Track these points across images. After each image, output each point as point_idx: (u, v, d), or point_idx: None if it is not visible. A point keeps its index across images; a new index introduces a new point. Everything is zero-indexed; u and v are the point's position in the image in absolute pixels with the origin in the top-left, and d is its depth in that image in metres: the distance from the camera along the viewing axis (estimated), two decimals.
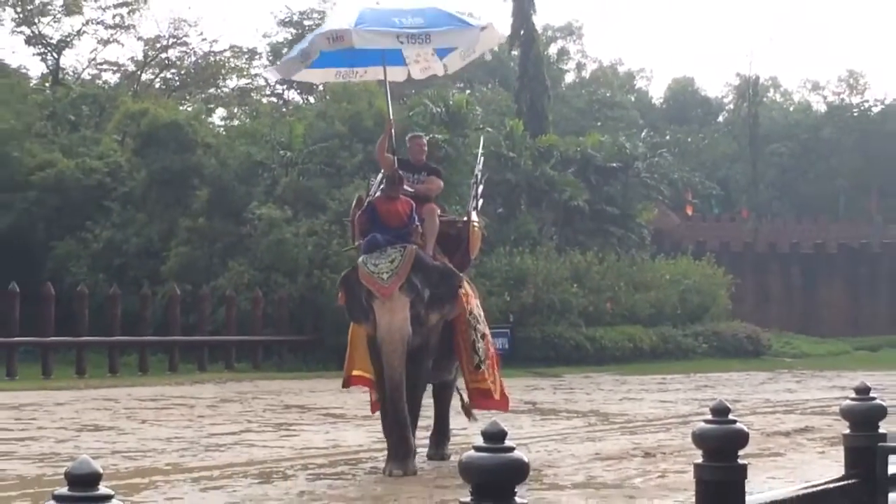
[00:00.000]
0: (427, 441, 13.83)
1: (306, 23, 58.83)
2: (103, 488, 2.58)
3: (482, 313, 13.99)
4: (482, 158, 16.04)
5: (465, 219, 14.27)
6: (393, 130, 13.77)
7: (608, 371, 32.68)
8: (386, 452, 12.61)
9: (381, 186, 13.57)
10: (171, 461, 13.43)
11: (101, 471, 2.58)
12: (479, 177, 15.23)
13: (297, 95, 56.24)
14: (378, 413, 13.25)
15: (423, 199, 13.37)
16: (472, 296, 13.79)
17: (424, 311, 12.47)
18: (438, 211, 13.74)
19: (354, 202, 13.83)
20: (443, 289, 12.68)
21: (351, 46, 13.15)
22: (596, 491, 11.81)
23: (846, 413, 5.50)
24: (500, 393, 13.86)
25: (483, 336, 13.58)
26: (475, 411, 14.06)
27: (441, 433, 13.98)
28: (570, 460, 14.07)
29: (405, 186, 13.25)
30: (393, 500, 11.21)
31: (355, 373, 13.62)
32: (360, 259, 12.49)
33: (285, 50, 58.21)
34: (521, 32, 50.59)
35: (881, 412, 5.49)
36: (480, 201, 15.03)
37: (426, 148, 14.47)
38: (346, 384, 14.04)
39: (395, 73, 15.12)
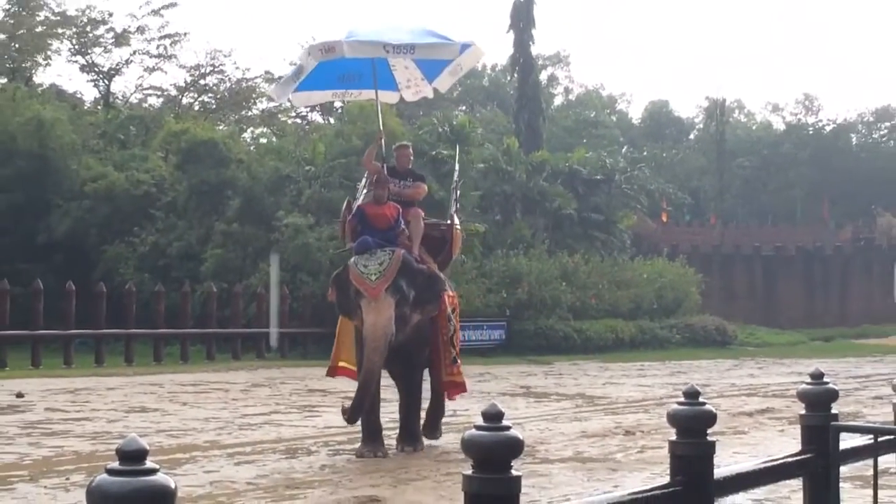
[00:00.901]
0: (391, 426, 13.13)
1: None
2: (149, 463, 2.58)
3: (455, 309, 13.60)
4: (458, 166, 16.07)
5: (448, 222, 13.87)
6: (382, 141, 13.59)
7: (593, 359, 32.66)
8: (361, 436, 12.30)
9: (365, 191, 13.22)
10: (208, 439, 13.43)
11: (148, 447, 2.58)
12: (458, 182, 15.09)
13: (318, 117, 56.23)
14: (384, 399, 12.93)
15: (408, 203, 13.03)
16: (452, 295, 13.56)
17: (409, 311, 12.06)
18: (423, 214, 13.24)
19: (344, 206, 13.39)
20: (428, 293, 12.28)
21: (342, 56, 12.79)
22: (582, 464, 11.80)
23: (802, 396, 5.49)
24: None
25: (454, 332, 13.26)
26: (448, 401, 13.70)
27: (435, 414, 13.56)
28: (560, 438, 14.06)
29: (392, 188, 12.89)
30: (404, 471, 11.21)
31: (341, 364, 13.27)
32: (352, 260, 12.12)
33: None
34: (521, 60, 50.80)
35: (833, 395, 5.49)
36: (458, 205, 14.70)
37: (412, 157, 14.07)
38: (330, 373, 13.58)
39: (387, 97, 15.02)
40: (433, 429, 13.35)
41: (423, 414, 13.25)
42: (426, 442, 12.94)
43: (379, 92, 14.26)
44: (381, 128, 14.04)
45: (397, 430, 12.82)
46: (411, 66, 14.21)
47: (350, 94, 14.93)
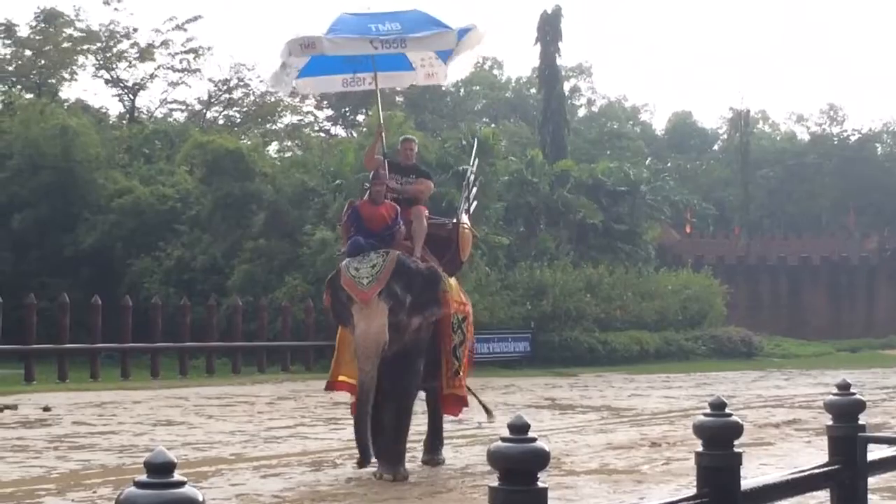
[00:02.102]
0: (420, 446, 12.56)
1: None
2: (177, 475, 2.59)
3: (468, 317, 12.55)
4: (476, 161, 14.53)
5: (455, 221, 12.75)
6: (384, 135, 12.78)
7: (618, 371, 32.57)
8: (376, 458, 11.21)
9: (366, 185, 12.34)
10: (234, 451, 13.45)
11: (176, 460, 2.59)
12: (472, 180, 13.71)
13: (342, 130, 56.39)
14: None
15: (411, 202, 12.16)
16: (459, 300, 12.37)
17: (406, 317, 11.13)
18: (427, 213, 12.29)
19: (346, 206, 12.40)
20: (426, 294, 11.30)
21: (322, 53, 12.11)
22: (608, 476, 11.78)
23: (829, 406, 5.48)
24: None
25: (463, 342, 12.23)
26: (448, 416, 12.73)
27: (435, 438, 12.60)
28: (586, 450, 14.03)
29: (393, 185, 12.14)
30: (429, 484, 11.20)
31: (341, 378, 12.15)
32: (343, 263, 11.30)
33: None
34: (546, 72, 50.95)
35: (860, 406, 5.47)
36: (474, 204, 13.80)
37: (416, 150, 13.06)
38: (329, 387, 12.54)
39: (404, 78, 14.28)
40: (434, 451, 12.48)
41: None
42: (459, 454, 12.88)
43: (394, 73, 13.74)
44: (381, 121, 13.46)
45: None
46: None
47: (362, 79, 13.48)
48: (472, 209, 13.36)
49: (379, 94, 13.47)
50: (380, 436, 11.19)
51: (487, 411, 13.30)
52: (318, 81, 14.06)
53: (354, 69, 13.19)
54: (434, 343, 11.85)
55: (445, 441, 14.13)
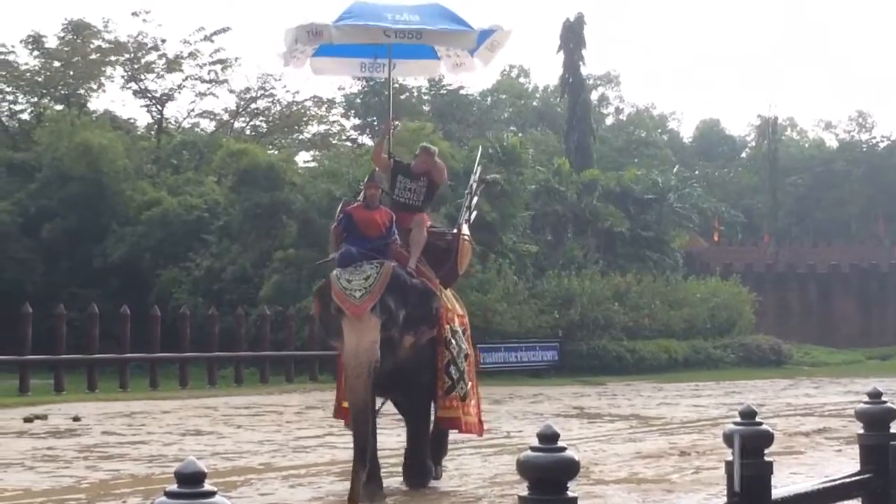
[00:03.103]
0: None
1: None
2: (207, 485, 2.60)
3: (465, 330, 11.77)
4: (479, 168, 13.46)
5: (455, 231, 11.99)
6: (392, 131, 12.23)
7: (647, 379, 32.48)
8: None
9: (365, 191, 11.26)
10: (263, 461, 13.47)
11: (206, 470, 2.60)
12: (475, 188, 12.82)
13: (368, 139, 56.39)
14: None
15: (413, 208, 11.40)
16: (456, 312, 11.68)
17: (398, 333, 10.35)
18: (428, 222, 11.60)
19: (339, 210, 11.47)
20: (421, 310, 10.58)
21: (329, 42, 11.30)
22: (637, 485, 11.74)
23: (860, 415, 5.45)
24: (476, 419, 11.74)
25: (463, 356, 11.44)
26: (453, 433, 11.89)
27: (437, 450, 11.83)
28: (614, 459, 13.99)
29: (399, 201, 11.38)
30: (458, 494, 11.19)
31: (346, 404, 11.09)
32: (333, 273, 10.37)
33: (359, 100, 58.71)
34: (570, 80, 50.89)
35: (892, 414, 5.44)
36: (475, 213, 12.90)
37: (433, 160, 11.81)
38: (336, 414, 11.95)
39: (429, 67, 13.32)
40: (433, 463, 11.70)
41: None
42: (487, 463, 12.84)
43: (417, 62, 12.81)
44: (391, 115, 12.46)
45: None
46: None
47: (381, 64, 12.39)
48: (472, 218, 12.64)
49: (391, 84, 12.75)
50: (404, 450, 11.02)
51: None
52: (336, 63, 12.97)
53: (374, 54, 12.27)
54: (432, 357, 11.17)
55: (474, 451, 14.14)
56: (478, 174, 13.13)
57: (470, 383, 11.55)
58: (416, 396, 11.17)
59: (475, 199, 12.82)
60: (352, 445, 10.24)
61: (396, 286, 10.31)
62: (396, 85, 59.68)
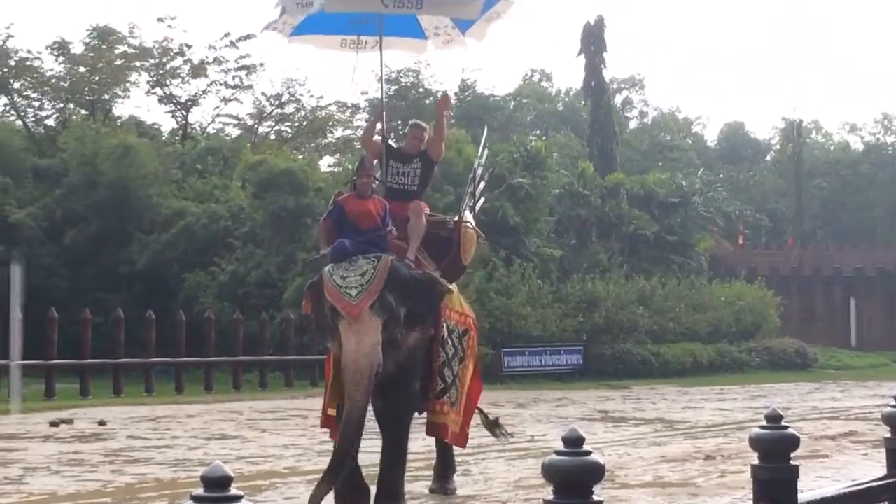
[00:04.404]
0: (431, 474, 11.52)
1: (402, 80, 59.15)
2: (234, 489, 2.60)
3: (468, 331, 10.85)
4: (486, 153, 12.54)
5: (457, 218, 10.94)
6: (385, 115, 11.36)
7: (671, 383, 32.41)
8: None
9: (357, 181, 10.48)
10: (288, 465, 13.49)
11: (232, 474, 2.60)
12: (479, 172, 11.87)
13: (392, 143, 56.31)
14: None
15: (408, 195, 10.53)
16: (457, 310, 10.73)
17: (401, 333, 9.37)
18: (427, 209, 10.61)
19: (332, 201, 10.60)
20: (424, 304, 9.61)
21: (321, 10, 10.41)
22: (662, 489, 11.71)
23: (887, 419, 5.42)
24: (460, 430, 10.80)
25: (458, 359, 10.58)
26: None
27: (444, 465, 11.25)
28: (639, 462, 13.96)
29: (393, 187, 10.61)
30: (483, 498, 11.17)
31: (330, 411, 10.30)
32: (326, 269, 9.39)
33: (386, 102, 58.75)
34: (593, 84, 50.89)
35: None
36: (481, 200, 11.99)
37: (425, 140, 10.93)
38: (323, 423, 10.85)
39: (414, 46, 12.12)
40: (442, 478, 11.22)
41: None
42: (511, 467, 12.80)
43: (402, 39, 11.78)
44: (383, 96, 11.70)
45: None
46: None
47: (364, 41, 11.40)
48: (478, 207, 11.71)
49: (382, 64, 11.45)
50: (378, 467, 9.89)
51: (492, 431, 12.06)
52: (316, 40, 11.80)
53: (359, 31, 11.28)
54: (427, 360, 10.26)
55: (498, 455, 14.12)
56: (484, 158, 12.26)
57: (460, 389, 10.63)
58: (402, 404, 9.96)
59: (481, 186, 11.85)
60: (373, 451, 9.89)
61: (396, 281, 9.31)
62: (423, 90, 60.00)
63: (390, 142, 11.28)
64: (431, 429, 10.52)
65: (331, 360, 10.18)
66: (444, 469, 11.20)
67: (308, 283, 9.79)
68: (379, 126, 11.14)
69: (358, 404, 9.03)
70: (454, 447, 11.19)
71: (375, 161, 10.75)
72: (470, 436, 11.49)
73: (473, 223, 11.06)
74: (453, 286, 10.64)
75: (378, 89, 58.50)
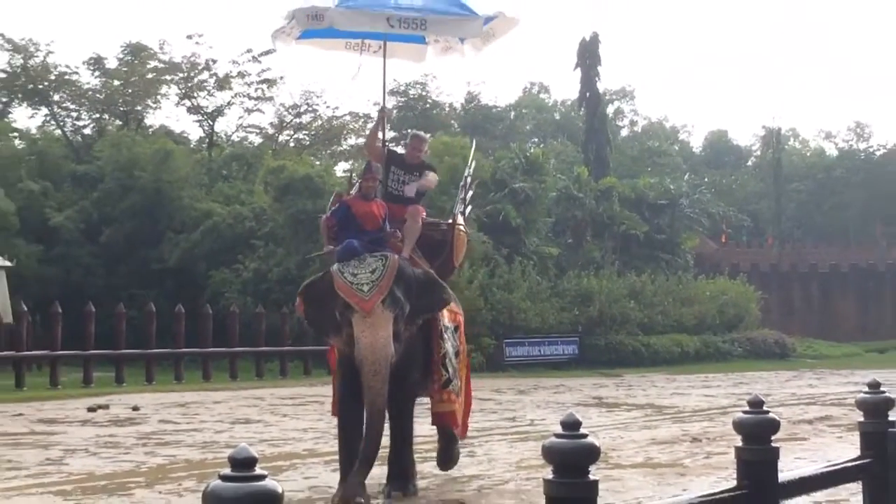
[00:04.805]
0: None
1: (411, 92, 59.13)
2: (258, 470, 2.61)
3: (458, 327, 10.68)
4: (473, 163, 12.10)
5: (451, 221, 10.84)
6: (386, 119, 10.99)
7: (660, 371, 32.38)
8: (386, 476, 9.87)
9: (357, 181, 10.42)
10: (307, 447, 13.49)
11: (257, 455, 2.60)
12: (469, 181, 11.62)
13: (396, 149, 56.24)
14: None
15: (408, 200, 10.37)
16: (449, 308, 10.42)
17: (404, 326, 9.34)
18: (423, 213, 10.43)
19: (332, 200, 10.53)
20: (424, 300, 9.52)
21: (331, 27, 10.19)
22: (652, 469, 11.70)
23: (860, 404, 5.42)
24: (462, 419, 10.83)
25: (454, 353, 10.44)
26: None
27: (446, 457, 10.98)
28: (631, 445, 13.95)
29: (404, 189, 10.41)
30: (487, 478, 11.17)
31: None
32: (335, 267, 9.28)
33: (394, 113, 58.76)
34: (588, 95, 50.80)
35: (890, 403, 5.41)
36: (469, 207, 11.65)
37: (426, 150, 11.02)
38: (334, 411, 10.70)
39: (415, 52, 11.73)
40: (444, 461, 10.95)
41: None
42: (510, 451, 12.79)
43: (403, 45, 11.47)
44: (384, 100, 11.14)
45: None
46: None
47: (367, 45, 11.21)
48: (467, 211, 11.51)
49: (385, 69, 11.07)
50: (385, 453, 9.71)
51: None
52: (322, 42, 11.44)
53: (362, 35, 11.01)
54: (427, 351, 10.13)
55: (501, 438, 14.11)
56: (472, 168, 11.87)
57: (460, 382, 10.58)
58: (406, 393, 9.78)
59: (470, 193, 11.63)
60: (387, 433, 9.69)
61: (403, 279, 9.30)
62: (430, 102, 60.01)
63: (395, 148, 11.06)
64: (438, 418, 10.30)
65: (334, 353, 10.12)
66: (445, 463, 10.89)
67: (305, 282, 9.61)
68: (380, 134, 10.89)
69: (379, 392, 8.98)
70: (457, 441, 10.92)
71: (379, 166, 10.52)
72: (475, 419, 11.51)
73: (465, 226, 11.00)
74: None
75: (388, 100, 58.71)
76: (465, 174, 11.74)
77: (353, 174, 11.20)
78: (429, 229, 10.47)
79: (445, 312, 10.29)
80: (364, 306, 8.99)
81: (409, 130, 57.03)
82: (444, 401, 10.21)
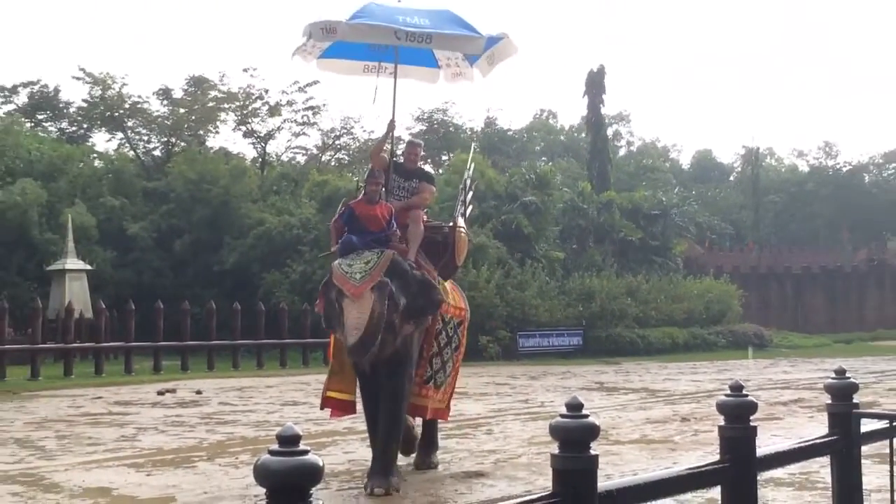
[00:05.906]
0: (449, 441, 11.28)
1: (435, 116, 59.11)
2: (302, 445, 2.61)
3: (462, 322, 10.22)
4: (472, 165, 11.43)
5: (452, 224, 10.32)
6: (394, 132, 10.31)
7: (654, 360, 32.28)
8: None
9: (362, 187, 9.98)
10: (346, 426, 13.49)
11: (301, 433, 2.61)
12: (468, 184, 11.04)
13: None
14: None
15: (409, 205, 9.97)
16: (454, 305, 10.08)
17: (398, 319, 8.74)
18: (425, 217, 10.04)
19: (341, 206, 10.06)
20: (421, 300, 9.01)
21: (343, 39, 9.73)
22: (647, 445, 11.67)
23: (829, 388, 5.39)
24: (444, 405, 10.19)
25: (452, 347, 9.98)
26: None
27: (429, 442, 10.36)
28: (628, 423, 13.92)
29: (393, 200, 9.87)
30: (503, 452, 11.16)
31: (329, 394, 9.94)
32: (335, 262, 8.97)
33: (422, 135, 58.81)
34: (593, 119, 50.78)
35: (854, 387, 5.38)
36: (469, 208, 11.04)
37: (421, 154, 10.65)
38: (322, 405, 10.20)
39: (427, 75, 11.15)
40: (425, 454, 10.34)
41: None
42: (524, 427, 12.77)
43: (417, 68, 10.99)
44: (394, 115, 10.33)
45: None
46: None
47: (384, 67, 10.67)
48: (468, 213, 10.92)
49: (396, 88, 10.45)
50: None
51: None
52: (341, 65, 10.94)
53: (379, 58, 10.62)
54: (420, 349, 9.67)
55: (514, 418, 14.10)
56: (471, 170, 11.27)
57: (451, 374, 10.09)
58: (398, 385, 9.18)
59: (469, 196, 10.97)
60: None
61: (397, 272, 8.78)
62: (452, 127, 60.02)
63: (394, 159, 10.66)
64: (413, 409, 9.78)
65: (333, 345, 9.78)
66: (427, 445, 10.32)
67: (322, 282, 9.15)
68: (388, 145, 10.39)
69: (364, 363, 8.67)
70: (437, 429, 10.55)
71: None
72: (492, 402, 11.50)
73: (465, 228, 10.54)
74: (449, 283, 10.23)
75: (410, 124, 58.65)
76: (465, 177, 11.24)
77: (359, 181, 10.66)
78: (431, 232, 10.04)
79: (450, 308, 9.90)
80: (353, 291, 8.53)
81: (431, 151, 57.52)
82: (420, 395, 9.74)
